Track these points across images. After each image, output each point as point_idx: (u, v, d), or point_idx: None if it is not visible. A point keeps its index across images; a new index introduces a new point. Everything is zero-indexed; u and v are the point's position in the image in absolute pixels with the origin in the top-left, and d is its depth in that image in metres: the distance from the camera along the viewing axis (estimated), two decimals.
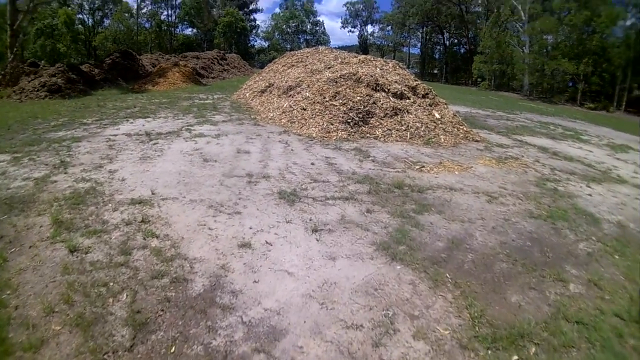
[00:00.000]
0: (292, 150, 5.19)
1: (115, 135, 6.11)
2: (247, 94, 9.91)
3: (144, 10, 35.38)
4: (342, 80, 6.63)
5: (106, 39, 31.41)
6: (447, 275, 2.30)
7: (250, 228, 2.95)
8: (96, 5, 30.99)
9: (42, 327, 1.94)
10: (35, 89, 11.57)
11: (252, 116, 7.69)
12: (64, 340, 1.90)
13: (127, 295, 2.22)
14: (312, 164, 4.55)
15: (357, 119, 6.02)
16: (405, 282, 2.22)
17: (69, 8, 26.22)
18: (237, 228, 2.96)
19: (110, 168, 4.43)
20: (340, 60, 7.93)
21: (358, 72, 6.74)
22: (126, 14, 33.45)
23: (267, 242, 2.73)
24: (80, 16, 30.33)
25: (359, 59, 7.73)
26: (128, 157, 4.85)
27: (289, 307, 2.00)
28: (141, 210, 3.31)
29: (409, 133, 5.90)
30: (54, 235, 2.86)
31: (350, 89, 6.42)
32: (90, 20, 31.56)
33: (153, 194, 3.65)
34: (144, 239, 2.84)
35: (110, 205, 3.43)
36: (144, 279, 2.36)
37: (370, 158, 4.87)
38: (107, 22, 32.96)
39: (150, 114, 8.11)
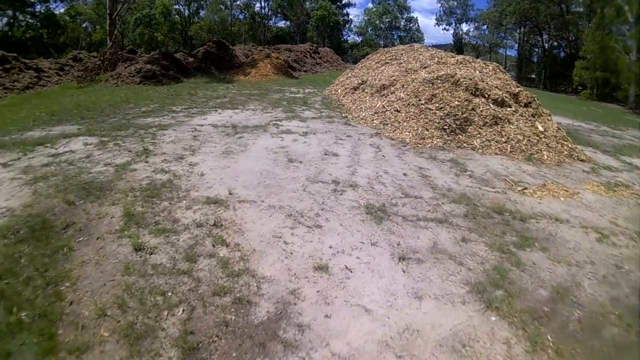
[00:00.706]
0: (383, 156, 8.72)
1: (202, 125, 11.02)
2: (339, 90, 17.74)
3: (238, 2, 69.63)
4: (438, 82, 11.37)
5: (201, 29, 64.22)
6: (549, 337, 3.75)
7: (330, 247, 4.99)
8: None
9: (91, 330, 3.64)
10: (131, 75, 22.33)
11: (343, 114, 13.36)
12: (109, 349, 3.29)
13: (183, 310, 3.62)
14: (405, 174, 7.68)
15: (454, 126, 10.22)
16: (499, 340, 3.64)
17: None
18: (316, 245, 5.01)
19: (191, 161, 7.88)
20: (436, 59, 13.56)
21: (456, 73, 11.43)
22: (221, 6, 67.42)
23: (346, 268, 4.56)
24: (177, 7, 64.30)
25: (457, 60, 13.17)
26: (211, 150, 8.58)
27: (361, 356, 3.30)
28: (215, 211, 5.74)
29: (509, 146, 9.85)
30: (122, 228, 5.21)
31: (447, 92, 10.99)
32: (187, 10, 65.93)
33: (230, 194, 6.32)
34: (213, 245, 4.85)
35: (184, 202, 6.01)
36: (205, 293, 4.00)
37: (467, 172, 8.05)
38: (202, 12, 67.93)
39: (239, 105, 14.75)
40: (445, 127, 10.09)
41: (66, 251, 4.80)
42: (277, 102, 15.60)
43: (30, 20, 43.59)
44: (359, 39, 78.73)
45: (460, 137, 9.95)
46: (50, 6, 45.73)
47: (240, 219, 5.46)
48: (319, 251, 4.79)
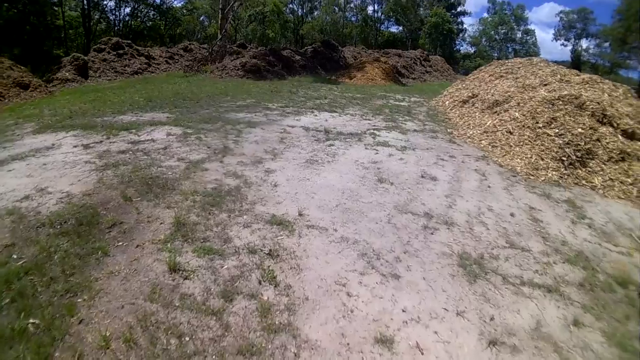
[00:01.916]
0: (489, 187, 7.75)
1: (293, 127, 10.69)
2: (447, 102, 17.06)
3: (351, 4, 74.70)
4: (560, 103, 10.40)
5: (313, 29, 70.29)
6: None
7: (404, 311, 4.09)
8: None
9: None
10: (236, 68, 23.76)
11: (448, 129, 12.46)
12: None
13: None
14: (512, 214, 6.61)
15: (573, 157, 9.09)
16: None
17: None
18: (386, 305, 4.15)
19: (269, 167, 7.48)
20: (559, 76, 12.61)
21: (581, 95, 10.42)
22: (335, 7, 73.24)
23: (417, 347, 3.66)
24: (292, 6, 71.04)
25: (583, 79, 12.11)
26: (294, 157, 8.13)
27: None
28: (276, 235, 5.16)
29: (636, 189, 8.63)
30: (166, 239, 4.87)
31: (570, 116, 9.96)
32: (300, 10, 72.45)
33: (300, 214, 5.73)
34: (260, 282, 4.21)
35: (245, 217, 5.52)
36: (228, 349, 3.36)
37: (585, 220, 6.79)
38: (316, 13, 74.19)
39: (338, 108, 14.37)
40: (564, 158, 9.11)
41: (100, 255, 4.56)
42: (379, 109, 14.99)
43: (149, 12, 50.17)
44: (471, 50, 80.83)
45: (580, 171, 8.92)
46: (171, 0, 53.04)
47: (303, 251, 4.80)
48: (388, 314, 3.94)
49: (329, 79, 26.85)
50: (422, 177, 7.70)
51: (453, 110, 15.21)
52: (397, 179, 7.45)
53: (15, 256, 4.56)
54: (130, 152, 7.96)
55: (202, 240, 4.83)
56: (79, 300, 3.87)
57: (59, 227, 5.15)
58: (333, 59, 34.66)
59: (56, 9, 39.10)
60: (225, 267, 4.36)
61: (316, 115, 12.49)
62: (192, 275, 4.20)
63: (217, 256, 4.53)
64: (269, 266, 4.39)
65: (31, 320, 3.58)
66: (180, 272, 4.23)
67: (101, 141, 8.90)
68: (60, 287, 4.00)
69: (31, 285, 4.04)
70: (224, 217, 5.40)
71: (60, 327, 3.53)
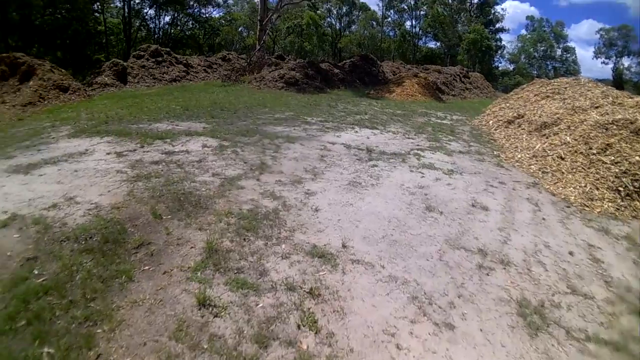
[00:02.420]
0: (543, 219, 7.25)
1: (333, 144, 10.38)
2: (491, 122, 16.70)
3: (389, 19, 76.95)
4: (614, 127, 9.96)
5: (351, 43, 72.31)
6: None
7: None
8: (344, 11, 71.92)
9: None
10: (274, 79, 23.86)
11: (494, 152, 11.99)
12: None
13: None
14: (571, 253, 6.09)
15: (631, 188, 8.54)
16: None
17: (318, 11, 63.48)
18: None
19: (309, 188, 7.13)
20: (611, 99, 12.38)
21: (637, 120, 9.90)
22: (372, 22, 74.80)
23: None
24: (329, 20, 72.92)
25: (637, 102, 11.76)
26: (335, 178, 7.78)
27: None
28: (318, 269, 4.79)
29: None
30: (196, 267, 4.56)
31: (626, 142, 9.42)
32: (338, 24, 74.00)
33: (344, 246, 5.35)
34: (299, 327, 3.83)
35: (283, 246, 5.15)
36: None
37: None
38: (353, 27, 75.53)
39: (379, 125, 13.98)
40: (620, 188, 8.61)
41: (124, 280, 4.30)
42: (422, 127, 14.53)
43: (188, 21, 51.95)
44: (510, 67, 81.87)
45: (638, 203, 8.37)
46: (210, 10, 55.57)
47: (347, 291, 4.39)
48: None
49: (368, 93, 26.77)
50: (473, 206, 7.26)
51: (498, 131, 14.94)
52: (447, 207, 7.01)
53: (36, 271, 4.41)
54: (164, 164, 7.81)
55: (235, 271, 4.50)
56: (99, 330, 3.61)
57: (83, 242, 4.96)
58: (372, 73, 34.69)
59: (98, 15, 40.78)
60: (261, 305, 4.00)
61: (357, 132, 12.15)
62: (223, 313, 3.87)
63: (251, 291, 4.19)
64: (309, 308, 4.00)
65: (46, 350, 3.36)
66: (211, 307, 3.91)
67: (135, 150, 8.80)
68: (80, 314, 3.76)
69: (49, 308, 3.83)
70: (261, 245, 5.07)
71: None
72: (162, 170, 7.40)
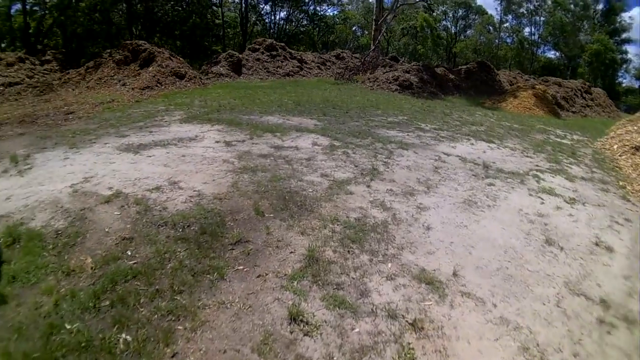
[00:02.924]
0: None
1: (448, 155, 9.72)
2: (615, 146, 15.22)
3: (506, 25, 71.66)
4: None
5: (466, 48, 70.18)
6: None
7: None
8: (460, 14, 68.89)
9: None
10: (388, 81, 23.53)
11: (619, 182, 10.58)
12: None
13: None
14: None
15: None
16: None
17: (433, 14, 60.75)
18: None
19: (422, 202, 6.61)
20: None
21: None
22: (489, 27, 70.81)
23: None
24: (445, 23, 69.91)
25: None
26: (449, 193, 7.18)
27: None
28: (423, 299, 4.24)
29: None
30: (294, 276, 4.28)
31: None
32: (454, 27, 70.91)
33: (454, 275, 4.76)
34: None
35: (389, 265, 4.70)
36: None
37: None
38: (469, 31, 72.42)
39: (495, 139, 12.90)
40: None
41: (216, 277, 4.13)
42: (540, 146, 13.25)
43: (303, 18, 53.17)
44: (636, 84, 74.03)
45: None
46: (324, 8, 55.77)
47: (453, 328, 3.83)
48: None
49: (483, 103, 25.65)
50: (596, 244, 6.24)
51: (624, 157, 13.52)
52: (568, 242, 6.11)
53: (129, 252, 4.45)
54: (272, 158, 7.74)
55: (334, 287, 4.13)
56: (180, 327, 3.47)
57: (180, 230, 4.92)
58: (488, 81, 33.12)
59: (216, 9, 43.63)
60: (357, 330, 3.59)
61: (473, 144, 11.38)
62: (314, 332, 3.52)
63: (349, 312, 3.79)
64: (409, 343, 3.51)
65: (124, 336, 3.31)
66: (302, 324, 3.58)
67: (243, 140, 8.84)
68: (164, 305, 3.67)
69: (135, 293, 3.80)
70: (365, 260, 4.65)
71: (150, 355, 3.16)
72: (269, 165, 7.32)
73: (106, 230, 4.94)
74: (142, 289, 3.87)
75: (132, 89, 16.55)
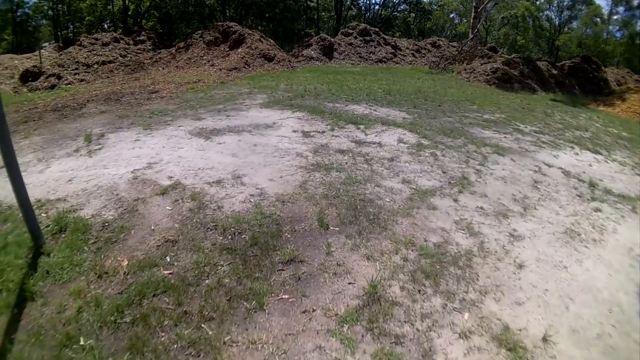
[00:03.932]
0: None
1: (550, 166, 8.24)
2: None
3: (616, 17, 62.46)
4: None
5: (570, 41, 61.45)
6: None
7: None
8: (565, 4, 61.26)
9: None
10: (485, 73, 21.58)
11: None
12: None
13: None
14: None
15: None
16: None
17: (536, 2, 56.08)
18: None
19: (516, 227, 5.44)
20: None
21: None
22: (597, 18, 62.11)
23: None
24: (548, 13, 62.54)
25: None
26: (549, 219, 5.92)
27: None
28: None
29: None
30: (346, 317, 3.46)
31: None
32: (558, 18, 62.84)
33: (545, 339, 3.59)
34: None
35: (465, 316, 3.69)
36: None
37: None
38: (575, 23, 64.20)
39: (602, 149, 10.86)
40: None
41: (254, 306, 3.47)
42: None
43: (399, 3, 51.67)
44: None
45: None
46: None
47: None
48: None
49: (587, 104, 22.64)
50: None
51: None
52: None
53: (168, 259, 3.98)
54: (350, 155, 6.95)
55: (392, 340, 3.24)
56: None
57: (229, 238, 4.34)
58: (593, 80, 29.23)
59: None
60: None
61: (577, 154, 9.61)
62: None
63: None
64: None
65: None
66: None
67: (323, 132, 8.15)
68: (187, 334, 3.15)
69: (160, 312, 3.34)
70: (437, 305, 3.70)
71: None
72: (346, 163, 6.55)
73: (152, 228, 4.49)
74: (169, 308, 3.36)
75: (220, 69, 16.52)
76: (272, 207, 4.95)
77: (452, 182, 6.41)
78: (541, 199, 6.43)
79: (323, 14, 47.40)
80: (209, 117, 8.86)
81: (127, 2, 33.96)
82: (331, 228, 4.64)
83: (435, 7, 57.63)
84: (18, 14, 38.48)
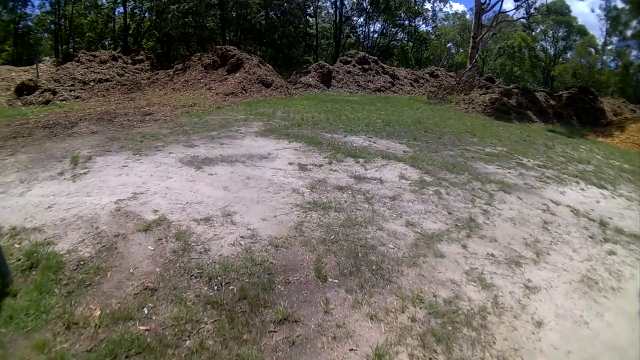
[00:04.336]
0: None
1: (557, 204, 7.85)
2: None
3: (610, 47, 63.46)
4: None
5: (565, 71, 62.49)
6: None
7: None
8: (560, 35, 62.82)
9: None
10: (484, 104, 21.34)
11: None
12: None
13: None
14: None
15: None
16: None
17: (532, 33, 56.90)
18: None
19: (530, 277, 4.96)
20: None
21: None
22: (591, 48, 62.99)
23: None
24: (543, 43, 64.20)
25: None
26: (563, 265, 5.45)
27: None
28: None
29: None
30: None
31: None
32: (553, 49, 64.53)
33: None
34: None
35: None
36: None
37: None
38: (569, 53, 65.55)
39: (607, 184, 10.36)
40: None
41: None
42: None
43: (397, 32, 51.72)
44: None
45: None
46: (418, 23, 54.17)
47: None
48: None
49: (586, 135, 22.53)
50: None
51: None
52: None
53: (146, 311, 3.51)
54: (349, 192, 6.50)
55: None
56: None
57: (216, 289, 3.84)
58: (590, 110, 29.11)
59: (311, 20, 43.31)
60: None
61: (583, 190, 9.21)
62: None
63: None
64: None
65: None
66: None
67: (321, 165, 7.73)
68: None
69: None
70: None
71: None
72: (345, 202, 6.10)
73: (131, 271, 4.02)
74: None
75: (217, 93, 16.23)
76: (264, 252, 4.47)
77: (459, 224, 5.96)
78: (553, 242, 6.00)
79: (322, 41, 47.48)
80: (201, 145, 8.44)
81: (128, 20, 34.01)
82: (330, 280, 4.16)
83: (432, 36, 58.08)
84: (20, 25, 38.40)
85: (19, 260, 4.08)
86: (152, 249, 4.37)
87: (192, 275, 3.95)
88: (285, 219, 5.29)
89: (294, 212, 5.52)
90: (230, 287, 3.82)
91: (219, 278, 3.93)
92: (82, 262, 4.10)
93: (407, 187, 7.07)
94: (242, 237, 4.72)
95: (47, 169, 6.74)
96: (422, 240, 5.26)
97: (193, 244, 4.49)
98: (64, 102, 15.44)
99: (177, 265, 4.10)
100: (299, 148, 8.76)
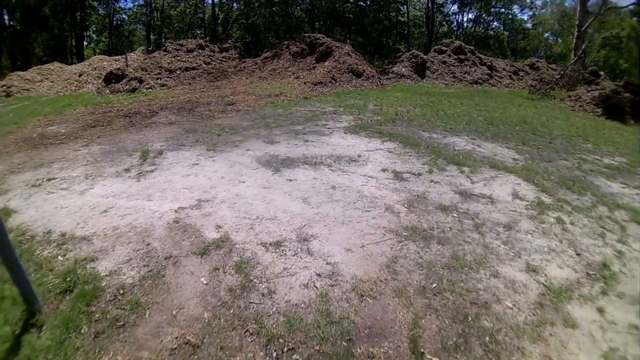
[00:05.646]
0: None
1: None
2: None
3: None
4: None
5: None
6: None
7: None
8: None
9: None
10: (593, 102, 18.44)
11: None
12: None
13: None
14: None
15: None
16: None
17: None
18: None
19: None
20: None
21: None
22: None
23: None
24: None
25: None
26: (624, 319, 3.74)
27: None
28: None
29: None
30: None
31: None
32: None
33: None
34: None
35: None
36: None
37: None
38: None
39: None
40: None
41: None
42: None
43: (493, 21, 48.07)
44: None
45: None
46: (514, 12, 48.96)
47: None
48: None
49: None
50: None
51: None
52: None
53: None
54: (455, 215, 5.16)
55: None
56: None
57: (274, 356, 2.83)
58: None
59: (402, 8, 41.47)
60: None
61: None
62: None
63: None
64: None
65: None
66: None
67: (419, 174, 6.46)
68: None
69: None
70: None
71: None
72: (450, 229, 4.78)
73: (174, 313, 3.16)
74: None
75: (304, 82, 15.35)
76: (345, 302, 3.35)
77: (590, 272, 4.37)
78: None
79: (413, 29, 45.22)
80: (283, 141, 7.51)
81: (216, 10, 34.38)
82: (427, 357, 2.94)
83: (529, 25, 53.26)
84: (115, 18, 40.81)
85: (57, 278, 3.49)
86: (205, 282, 3.46)
87: (246, 331, 2.96)
88: (375, 250, 4.12)
89: (386, 241, 4.33)
90: (294, 357, 2.78)
91: (280, 340, 2.90)
92: (121, 292, 3.37)
93: (523, 210, 5.60)
94: (318, 275, 3.65)
95: (115, 164, 6.22)
96: (548, 297, 3.82)
97: (256, 280, 3.50)
98: (150, 90, 15.43)
99: (231, 311, 3.14)
100: (394, 150, 7.55)
